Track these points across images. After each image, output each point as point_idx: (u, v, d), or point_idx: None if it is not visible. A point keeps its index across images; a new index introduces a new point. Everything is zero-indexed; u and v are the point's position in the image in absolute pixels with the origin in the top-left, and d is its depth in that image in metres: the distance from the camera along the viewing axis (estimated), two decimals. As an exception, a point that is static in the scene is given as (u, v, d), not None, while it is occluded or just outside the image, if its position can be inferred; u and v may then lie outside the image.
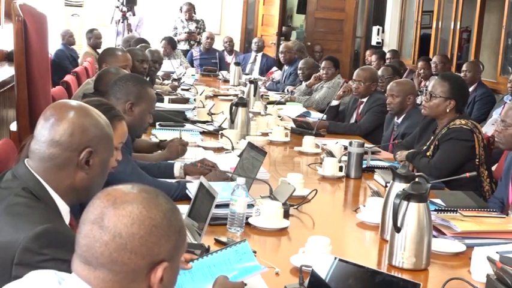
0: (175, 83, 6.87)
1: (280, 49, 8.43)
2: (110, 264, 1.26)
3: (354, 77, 5.30)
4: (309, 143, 4.16)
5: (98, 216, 1.27)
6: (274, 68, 8.93)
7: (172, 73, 7.65)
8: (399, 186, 2.44)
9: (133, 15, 9.33)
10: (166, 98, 5.51)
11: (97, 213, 1.28)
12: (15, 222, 1.62)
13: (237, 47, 10.44)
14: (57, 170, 1.73)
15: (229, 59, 9.49)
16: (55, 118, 1.74)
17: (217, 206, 2.46)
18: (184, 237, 1.36)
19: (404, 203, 2.24)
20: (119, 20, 9.15)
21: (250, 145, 3.15)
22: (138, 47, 6.08)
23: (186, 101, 5.67)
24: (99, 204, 1.29)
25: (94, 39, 8.70)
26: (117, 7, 9.25)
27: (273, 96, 6.88)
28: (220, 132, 4.18)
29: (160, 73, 7.59)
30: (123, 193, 1.31)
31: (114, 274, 1.26)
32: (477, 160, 3.61)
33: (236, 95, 6.26)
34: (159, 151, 3.68)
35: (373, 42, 10.90)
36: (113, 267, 1.26)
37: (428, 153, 3.71)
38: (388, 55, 9.19)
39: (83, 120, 1.75)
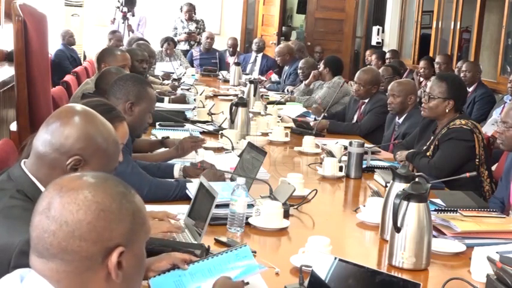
0: (175, 83, 6.87)
1: (275, 52, 8.44)
2: (61, 253, 1.23)
3: (355, 79, 5.29)
4: (309, 143, 4.16)
5: (45, 207, 1.26)
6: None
7: (172, 73, 7.66)
8: (399, 186, 2.44)
9: (133, 15, 9.33)
10: (166, 98, 5.52)
11: (44, 203, 1.26)
12: (11, 225, 1.61)
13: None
14: (47, 169, 1.73)
15: (231, 60, 9.49)
16: (59, 121, 1.74)
17: (217, 206, 2.46)
18: (142, 220, 1.31)
19: (404, 203, 2.23)
20: (117, 21, 9.15)
21: (250, 145, 3.15)
22: (134, 45, 6.09)
23: (184, 97, 5.67)
24: (46, 194, 1.28)
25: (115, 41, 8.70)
26: (118, 7, 9.25)
27: (273, 96, 6.89)
28: (220, 132, 4.18)
29: (160, 73, 7.59)
30: (69, 181, 1.29)
31: (67, 264, 1.23)
32: (477, 160, 3.61)
33: (236, 95, 6.26)
34: (163, 149, 3.68)
35: (373, 42, 10.91)
36: (65, 257, 1.23)
37: (428, 153, 3.71)
38: (388, 55, 9.20)
39: (83, 128, 1.73)
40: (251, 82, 5.96)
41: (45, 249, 1.24)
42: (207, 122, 4.75)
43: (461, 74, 6.81)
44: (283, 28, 12.29)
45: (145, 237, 1.32)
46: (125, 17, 9.15)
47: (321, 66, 6.63)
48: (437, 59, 7.86)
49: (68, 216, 1.24)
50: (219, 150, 3.92)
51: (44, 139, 1.73)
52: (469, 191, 3.00)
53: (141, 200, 1.34)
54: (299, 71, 7.05)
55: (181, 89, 6.62)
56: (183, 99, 5.66)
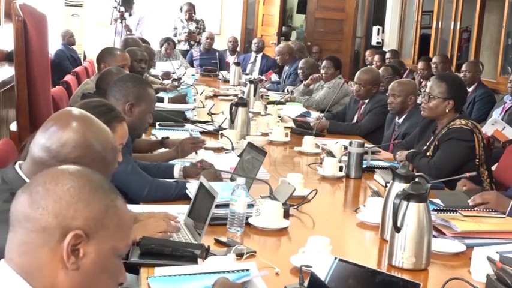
0: (175, 83, 6.87)
1: (275, 52, 8.45)
2: (25, 221, 1.24)
3: (355, 79, 5.29)
4: (309, 143, 4.15)
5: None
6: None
7: (173, 73, 7.66)
8: (399, 186, 2.44)
9: (130, 15, 9.33)
10: (166, 98, 5.52)
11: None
12: (6, 229, 1.60)
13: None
14: None
15: (231, 59, 9.49)
16: (56, 126, 1.72)
17: (217, 206, 2.46)
18: (119, 224, 1.28)
19: (404, 203, 2.23)
20: (117, 20, 9.15)
21: (250, 145, 3.15)
22: (121, 42, 6.12)
23: (184, 96, 5.68)
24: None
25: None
26: (115, 7, 9.25)
27: (273, 96, 6.89)
28: (220, 132, 4.18)
29: (160, 73, 7.59)
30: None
31: (27, 234, 1.24)
32: (477, 160, 3.61)
33: (236, 95, 6.26)
34: (163, 149, 3.68)
35: (373, 42, 10.91)
36: (27, 225, 1.24)
37: (428, 153, 3.70)
38: (388, 55, 9.19)
39: (80, 135, 1.71)
40: (251, 82, 5.96)
41: (14, 218, 1.26)
42: (207, 122, 4.74)
43: (461, 74, 6.82)
44: (283, 28, 12.28)
45: (118, 243, 1.29)
46: (122, 17, 9.14)
47: (323, 67, 6.58)
48: (434, 59, 7.87)
49: (40, 186, 1.26)
50: (219, 150, 3.92)
51: (41, 145, 1.71)
52: (468, 191, 3.00)
53: (126, 209, 1.32)
54: (299, 71, 7.04)
55: (182, 89, 6.62)
56: (182, 99, 5.66)
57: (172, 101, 5.55)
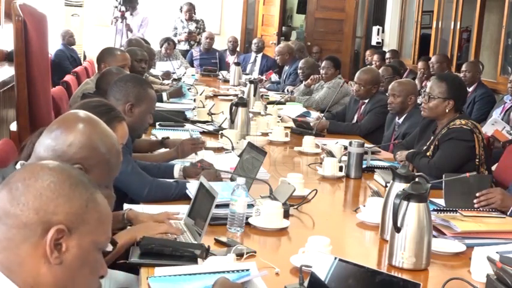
0: (175, 83, 6.87)
1: (275, 52, 8.46)
2: (4, 217, 1.24)
3: (355, 79, 5.30)
4: (309, 143, 4.16)
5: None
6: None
7: (174, 73, 7.66)
8: (399, 186, 2.44)
9: (131, 15, 9.33)
10: (164, 94, 5.54)
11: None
12: None
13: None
14: None
15: (231, 59, 9.49)
16: (63, 127, 1.74)
17: (217, 206, 2.46)
18: (96, 214, 1.30)
19: (404, 203, 2.23)
20: (117, 20, 9.14)
21: (250, 145, 3.15)
22: (126, 42, 6.14)
23: (180, 89, 5.70)
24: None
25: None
26: (116, 7, 9.24)
27: (273, 96, 6.89)
28: (220, 132, 4.18)
29: (160, 73, 7.59)
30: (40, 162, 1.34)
31: (7, 230, 1.24)
32: (477, 160, 3.61)
33: (236, 95, 6.26)
34: (163, 149, 3.68)
35: (373, 42, 10.91)
36: (7, 221, 1.24)
37: (428, 153, 3.70)
38: (388, 55, 9.19)
39: (87, 137, 1.73)
40: (251, 82, 5.96)
41: None
42: (207, 122, 4.75)
43: (461, 74, 6.82)
44: (283, 28, 12.28)
45: (98, 237, 1.30)
46: (122, 17, 9.14)
47: (323, 67, 6.58)
48: (432, 59, 7.87)
49: (20, 182, 1.26)
50: (219, 150, 3.92)
51: (46, 145, 1.72)
52: (484, 175, 3.01)
53: (105, 203, 1.33)
54: (299, 71, 7.04)
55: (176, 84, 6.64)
56: (180, 91, 5.69)
57: (170, 95, 5.56)
